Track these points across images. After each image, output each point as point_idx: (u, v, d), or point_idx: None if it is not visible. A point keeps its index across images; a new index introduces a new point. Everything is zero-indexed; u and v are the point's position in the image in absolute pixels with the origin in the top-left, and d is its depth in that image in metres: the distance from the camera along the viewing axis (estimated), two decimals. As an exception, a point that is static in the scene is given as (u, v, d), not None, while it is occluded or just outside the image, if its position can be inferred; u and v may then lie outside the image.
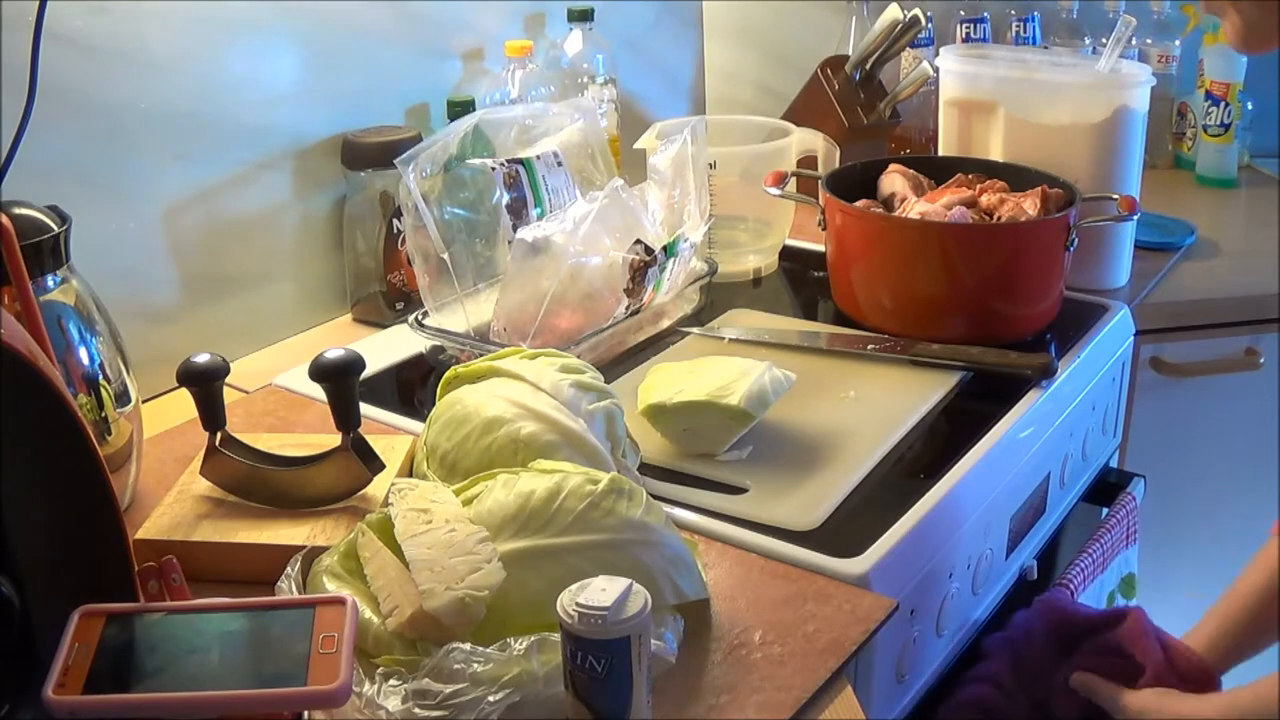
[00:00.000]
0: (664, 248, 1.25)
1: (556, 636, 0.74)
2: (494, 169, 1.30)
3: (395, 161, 1.22)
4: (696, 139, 1.35)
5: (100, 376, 0.97)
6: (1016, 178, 1.39)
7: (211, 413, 0.97)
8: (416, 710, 0.72)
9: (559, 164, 1.35)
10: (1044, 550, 1.28)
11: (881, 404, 1.16)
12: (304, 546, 0.89)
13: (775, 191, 1.41)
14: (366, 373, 0.97)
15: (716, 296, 1.46)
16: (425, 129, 1.48)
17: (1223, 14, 0.91)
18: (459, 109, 1.46)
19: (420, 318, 1.26)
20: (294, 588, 0.81)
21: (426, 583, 0.77)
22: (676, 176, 1.34)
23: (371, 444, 0.98)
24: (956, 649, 1.10)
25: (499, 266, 1.30)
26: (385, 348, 1.32)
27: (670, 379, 1.08)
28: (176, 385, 0.98)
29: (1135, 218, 1.34)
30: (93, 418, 0.96)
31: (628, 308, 1.25)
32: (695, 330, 1.34)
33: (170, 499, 0.97)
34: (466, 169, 1.30)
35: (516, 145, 1.56)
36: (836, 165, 1.51)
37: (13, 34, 1.02)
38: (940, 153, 1.59)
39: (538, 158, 1.33)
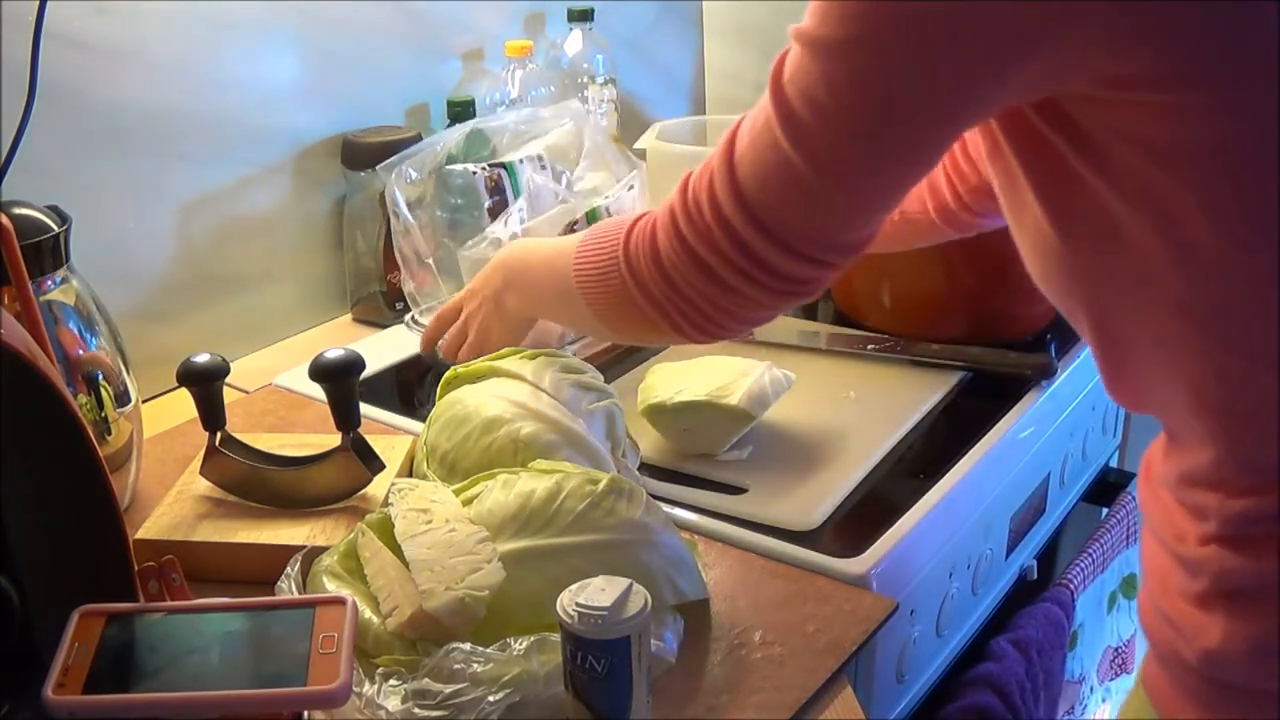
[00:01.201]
0: (585, 214, 1.25)
1: (556, 636, 0.74)
2: (475, 173, 1.30)
3: (378, 168, 1.23)
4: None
5: (100, 376, 0.97)
6: (1016, 178, 1.39)
7: (211, 413, 0.97)
8: (416, 710, 0.72)
9: (543, 167, 1.35)
10: (1044, 550, 1.28)
11: (881, 404, 1.16)
12: (304, 546, 0.89)
13: (775, 191, 1.41)
14: (366, 373, 0.97)
15: (716, 296, 1.46)
16: (425, 129, 1.48)
17: None
18: (459, 109, 1.46)
19: (416, 317, 1.26)
20: (294, 588, 0.81)
21: (426, 583, 0.77)
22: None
23: (371, 444, 0.98)
24: (956, 649, 1.10)
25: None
26: (385, 348, 1.32)
27: (670, 379, 1.08)
28: (176, 385, 0.98)
29: (1135, 218, 1.33)
30: (93, 418, 0.96)
31: None
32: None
33: (170, 499, 0.97)
34: (454, 174, 1.30)
35: (511, 148, 1.56)
36: (836, 165, 1.51)
37: (13, 34, 1.02)
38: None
39: (520, 161, 1.33)
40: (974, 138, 0.80)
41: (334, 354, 0.95)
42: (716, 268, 0.77)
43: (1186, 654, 0.70)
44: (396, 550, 0.82)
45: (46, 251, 0.93)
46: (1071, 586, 1.24)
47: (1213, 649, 0.68)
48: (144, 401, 1.07)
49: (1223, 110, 0.59)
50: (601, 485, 0.84)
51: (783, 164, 0.71)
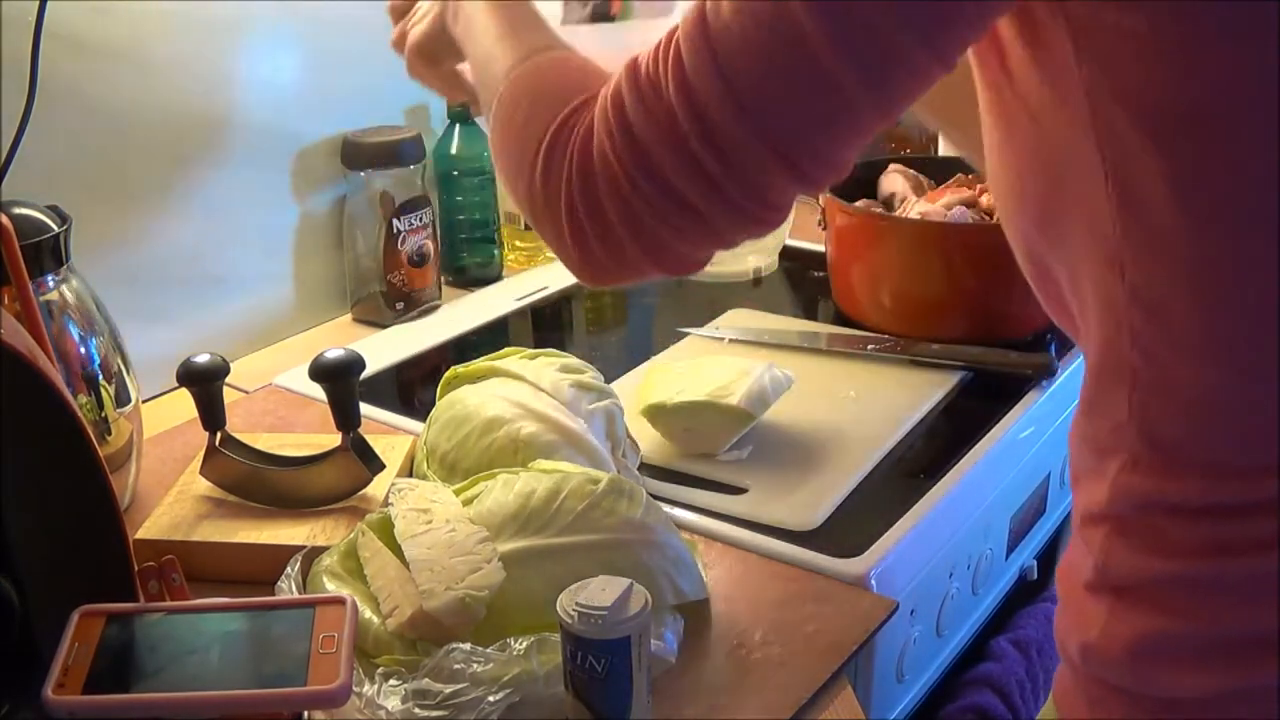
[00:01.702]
0: None
1: (556, 636, 0.74)
2: None
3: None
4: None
5: (100, 376, 0.97)
6: (1016, 178, 1.39)
7: (211, 413, 0.97)
8: (416, 710, 0.72)
9: None
10: (1044, 550, 1.28)
11: (881, 404, 1.16)
12: (304, 546, 0.89)
13: (775, 191, 1.41)
14: (366, 373, 0.97)
15: (716, 296, 1.46)
16: (425, 129, 1.48)
17: None
18: (459, 109, 1.47)
19: None
20: (294, 588, 0.81)
21: (426, 583, 0.77)
22: None
23: (371, 444, 0.98)
24: (956, 649, 1.10)
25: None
26: (385, 348, 1.32)
27: (670, 379, 1.08)
28: (176, 385, 0.98)
29: (1135, 218, 1.33)
30: (93, 418, 0.96)
31: None
32: (695, 330, 1.34)
33: (170, 499, 0.97)
34: None
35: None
36: (836, 165, 1.51)
37: (13, 34, 1.02)
38: (940, 153, 1.59)
39: None
40: None
41: (334, 354, 0.95)
42: (671, 172, 0.60)
43: (1070, 646, 0.66)
44: (396, 550, 0.82)
45: (46, 251, 0.93)
46: (1071, 586, 1.24)
47: (1090, 643, 0.64)
48: (144, 401, 1.07)
49: (1215, 66, 0.53)
50: (601, 485, 0.84)
51: (783, 28, 0.55)
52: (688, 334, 1.33)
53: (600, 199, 0.62)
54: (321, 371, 0.95)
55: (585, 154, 0.63)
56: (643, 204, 0.61)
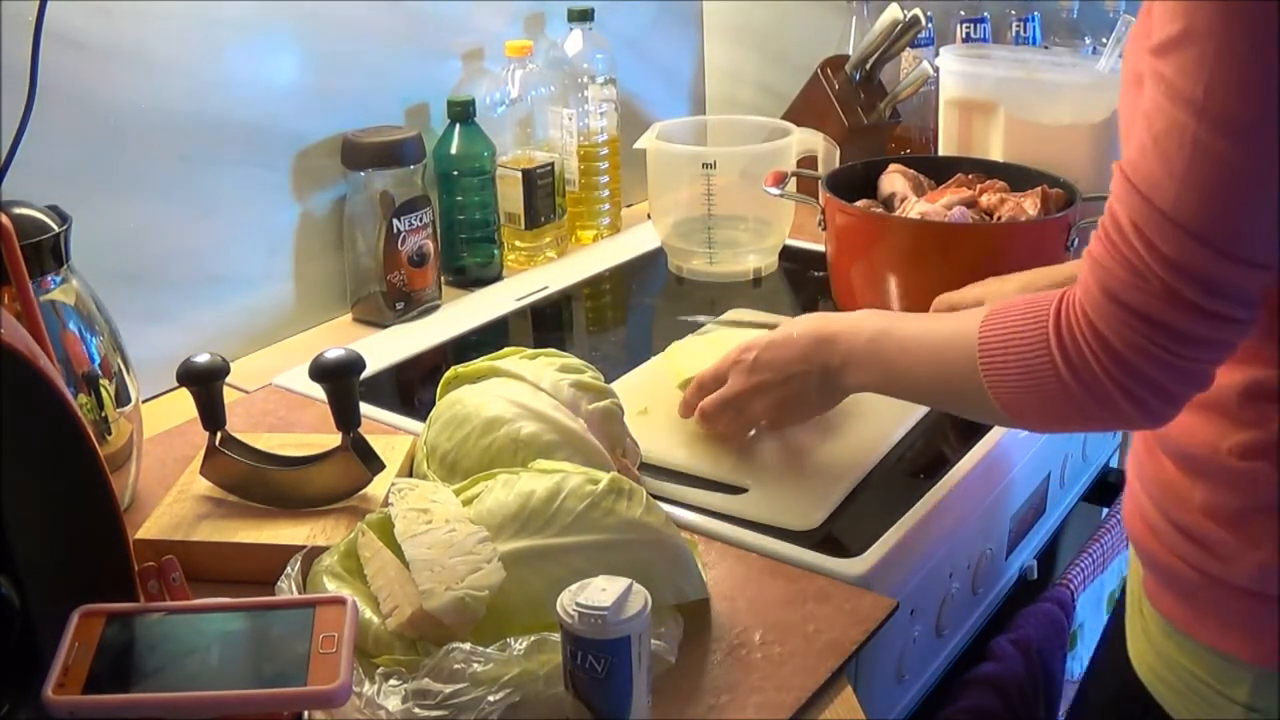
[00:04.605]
0: None
1: (556, 636, 0.74)
2: None
3: None
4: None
5: (100, 376, 0.97)
6: (1016, 178, 1.39)
7: (211, 413, 0.97)
8: (416, 710, 0.72)
9: None
10: (1044, 550, 1.28)
11: (882, 404, 1.16)
12: (304, 546, 0.89)
13: (775, 191, 1.41)
14: (366, 373, 0.97)
15: (716, 296, 1.46)
16: (425, 129, 1.48)
17: None
18: (459, 109, 1.47)
19: None
20: (294, 588, 0.81)
21: (426, 582, 0.77)
22: None
23: (371, 444, 0.98)
24: (956, 649, 1.10)
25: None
26: (385, 348, 1.32)
27: (697, 354, 1.11)
28: (176, 385, 0.98)
29: (1135, 218, 1.33)
30: (93, 418, 0.96)
31: None
32: (695, 331, 1.34)
33: (170, 499, 0.97)
34: None
35: (516, 144, 1.57)
36: (836, 165, 1.51)
37: (13, 34, 1.02)
38: (940, 153, 1.59)
39: None
40: None
41: (334, 354, 0.95)
42: (1181, 325, 0.70)
43: (1225, 572, 0.77)
44: (396, 550, 0.82)
45: (46, 251, 0.93)
46: (1071, 586, 1.24)
47: (1267, 563, 0.76)
48: (144, 401, 1.07)
49: None
50: (601, 485, 0.84)
51: (1210, 161, 0.66)
52: (687, 335, 1.33)
53: (1137, 368, 0.72)
54: (321, 371, 0.95)
55: (1104, 346, 0.73)
56: (1172, 359, 0.71)
